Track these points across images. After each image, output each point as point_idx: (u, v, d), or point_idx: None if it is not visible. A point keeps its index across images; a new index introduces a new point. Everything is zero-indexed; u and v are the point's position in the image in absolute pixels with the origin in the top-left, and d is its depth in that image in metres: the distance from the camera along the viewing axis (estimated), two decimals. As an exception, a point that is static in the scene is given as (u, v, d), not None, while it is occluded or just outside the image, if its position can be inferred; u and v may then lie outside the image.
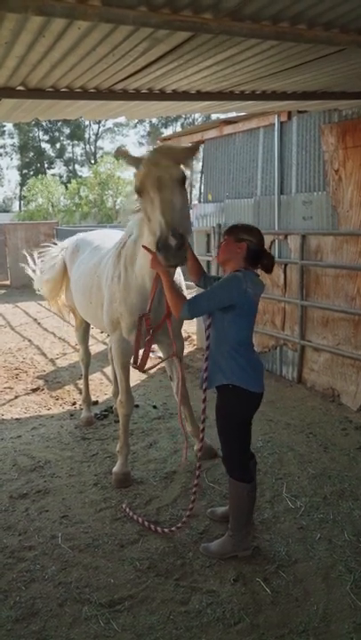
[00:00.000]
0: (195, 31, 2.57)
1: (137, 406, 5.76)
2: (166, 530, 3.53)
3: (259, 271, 3.24)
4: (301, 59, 3.35)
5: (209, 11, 2.45)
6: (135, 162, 3.22)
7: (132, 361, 3.92)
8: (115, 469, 4.26)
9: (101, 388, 6.72)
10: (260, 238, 3.17)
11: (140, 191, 3.14)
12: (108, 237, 5.08)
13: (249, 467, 3.29)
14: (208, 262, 8.06)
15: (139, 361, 3.87)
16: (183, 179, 3.18)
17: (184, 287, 4.29)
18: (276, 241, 6.57)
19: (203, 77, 3.68)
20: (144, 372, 3.98)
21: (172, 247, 2.92)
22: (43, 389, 6.66)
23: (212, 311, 3.14)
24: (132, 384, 6.59)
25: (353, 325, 5.63)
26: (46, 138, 50.23)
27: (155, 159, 3.15)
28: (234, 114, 6.78)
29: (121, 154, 3.29)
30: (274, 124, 6.67)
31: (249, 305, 3.09)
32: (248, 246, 3.11)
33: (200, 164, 9.05)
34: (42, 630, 2.78)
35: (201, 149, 8.42)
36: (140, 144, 51.64)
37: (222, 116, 7.93)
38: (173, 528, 3.51)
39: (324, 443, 4.85)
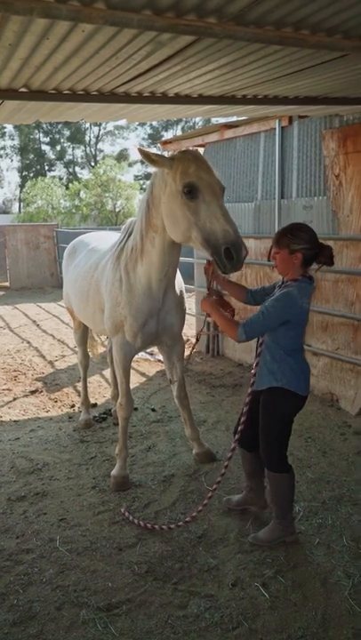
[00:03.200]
0: (199, 35, 2.57)
1: (136, 409, 5.76)
2: (173, 526, 3.59)
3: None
4: (304, 64, 3.36)
5: (213, 15, 2.45)
6: (167, 161, 3.24)
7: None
8: (113, 472, 4.25)
9: (100, 390, 6.71)
10: (311, 238, 3.12)
11: (191, 192, 3.11)
12: (103, 239, 5.08)
13: (287, 459, 3.43)
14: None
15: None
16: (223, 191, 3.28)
17: (184, 289, 4.29)
18: (277, 245, 6.58)
19: (205, 81, 3.69)
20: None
21: (242, 257, 3.01)
22: (41, 391, 6.65)
23: (269, 330, 3.17)
24: (130, 387, 6.60)
25: (352, 330, 5.63)
26: (47, 140, 50.31)
27: (202, 163, 3.22)
28: (235, 118, 6.78)
29: (146, 154, 3.27)
30: (275, 129, 6.68)
31: (303, 316, 3.19)
32: (303, 255, 3.10)
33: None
34: (39, 634, 2.76)
35: (202, 153, 8.42)
36: (141, 146, 51.72)
37: (223, 120, 7.93)
38: (181, 522, 3.60)
39: (323, 447, 4.84)
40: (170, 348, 4.37)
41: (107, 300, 4.15)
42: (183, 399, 4.54)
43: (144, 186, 40.48)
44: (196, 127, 36.12)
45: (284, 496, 3.40)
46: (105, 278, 4.22)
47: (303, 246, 3.09)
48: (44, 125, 45.98)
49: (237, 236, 3.02)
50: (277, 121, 6.59)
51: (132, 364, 7.83)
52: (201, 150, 8.34)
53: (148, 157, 3.24)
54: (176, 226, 3.28)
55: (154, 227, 3.56)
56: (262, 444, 3.41)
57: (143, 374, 7.29)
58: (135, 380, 6.90)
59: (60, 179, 43.60)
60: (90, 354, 5.90)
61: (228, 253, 3.02)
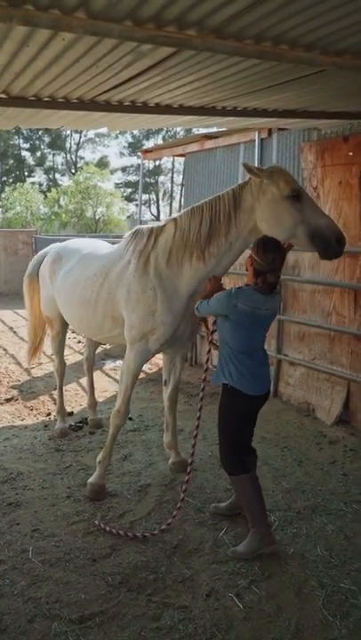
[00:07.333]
0: (179, 47, 2.60)
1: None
2: (147, 534, 3.59)
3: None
4: (283, 78, 3.42)
5: (193, 27, 2.48)
6: (266, 174, 3.57)
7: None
8: (91, 480, 4.20)
9: (77, 399, 6.65)
10: (269, 261, 3.30)
11: (296, 196, 3.51)
12: (94, 245, 4.97)
13: (245, 460, 3.50)
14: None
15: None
16: None
17: None
18: (255, 255, 6.64)
19: (185, 92, 3.72)
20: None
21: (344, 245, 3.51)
22: (17, 399, 6.57)
23: (210, 315, 3.54)
24: (107, 396, 6.57)
25: (328, 340, 5.70)
26: (27, 146, 50.00)
27: (291, 175, 3.70)
28: (215, 129, 6.86)
29: (251, 169, 3.57)
30: (254, 141, 6.77)
31: (242, 318, 3.31)
32: (252, 265, 3.35)
33: (181, 176, 9.11)
34: (9, 647, 2.71)
35: (182, 162, 8.50)
36: (122, 154, 51.88)
37: (204, 131, 8.01)
38: (156, 531, 3.60)
39: (299, 457, 4.87)
40: (177, 350, 4.37)
41: (133, 309, 4.02)
42: (174, 403, 4.56)
43: (125, 194, 40.53)
44: (177, 137, 36.28)
45: (250, 498, 3.44)
46: (125, 287, 4.08)
47: (256, 259, 3.32)
48: (24, 131, 45.66)
49: (339, 229, 3.53)
50: (257, 133, 6.68)
51: (110, 372, 7.80)
52: (181, 160, 8.40)
53: (252, 171, 3.56)
54: (280, 225, 3.57)
55: (240, 231, 3.74)
56: (219, 444, 3.52)
57: (120, 383, 7.25)
58: (112, 389, 6.86)
59: (40, 185, 43.36)
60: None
61: (338, 242, 3.47)
